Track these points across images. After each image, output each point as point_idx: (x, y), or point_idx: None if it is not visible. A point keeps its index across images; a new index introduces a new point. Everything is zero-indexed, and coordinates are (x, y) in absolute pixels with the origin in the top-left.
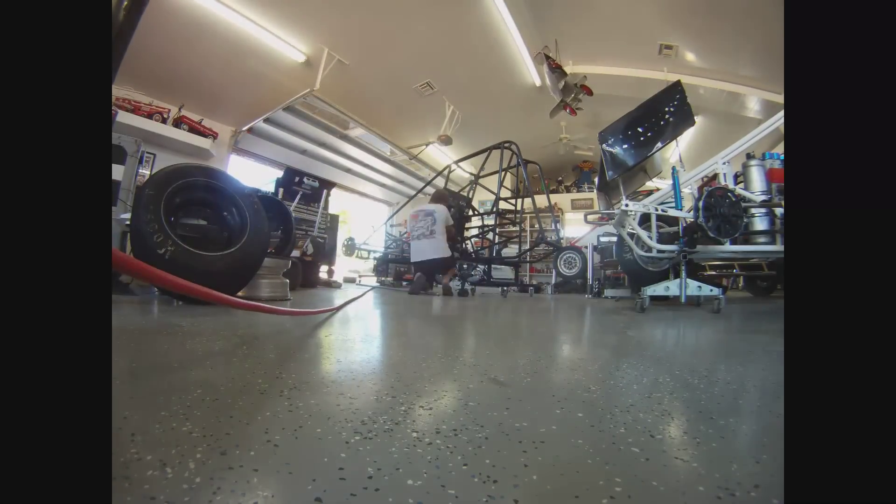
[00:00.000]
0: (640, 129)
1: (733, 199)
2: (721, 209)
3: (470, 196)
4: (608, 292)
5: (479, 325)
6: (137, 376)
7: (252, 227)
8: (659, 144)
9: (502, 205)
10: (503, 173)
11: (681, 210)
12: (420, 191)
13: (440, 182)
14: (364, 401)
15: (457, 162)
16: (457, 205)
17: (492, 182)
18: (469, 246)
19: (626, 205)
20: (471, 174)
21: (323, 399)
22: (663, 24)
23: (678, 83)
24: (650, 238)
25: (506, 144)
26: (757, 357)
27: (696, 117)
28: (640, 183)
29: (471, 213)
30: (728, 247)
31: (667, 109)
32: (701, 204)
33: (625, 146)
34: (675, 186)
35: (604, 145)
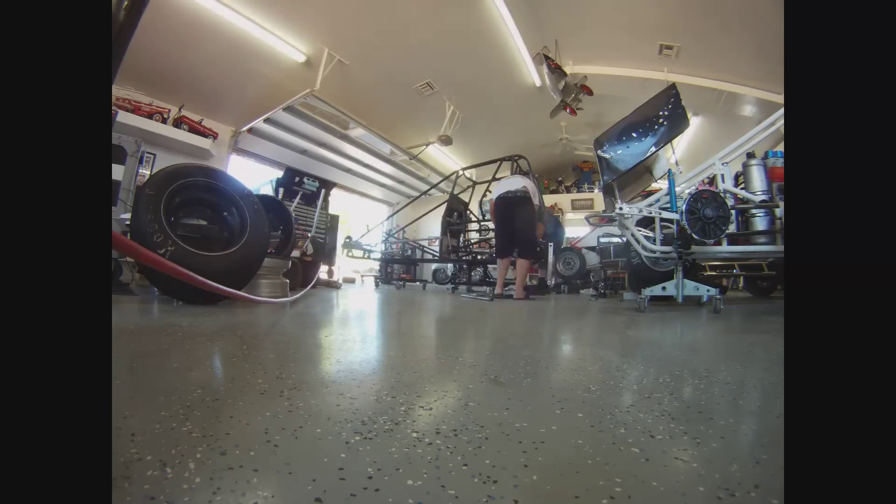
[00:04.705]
0: (634, 135)
1: (720, 201)
2: (705, 211)
3: (469, 200)
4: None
5: (481, 325)
6: (137, 376)
7: (252, 227)
8: (653, 149)
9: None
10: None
11: (675, 212)
12: (425, 192)
13: (445, 186)
14: (364, 401)
15: (465, 169)
16: (459, 209)
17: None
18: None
19: (621, 208)
20: (469, 178)
21: (323, 399)
22: (663, 24)
23: (673, 86)
24: (649, 239)
25: (517, 157)
26: (756, 357)
27: (695, 117)
28: (646, 184)
29: (471, 216)
30: (727, 247)
31: (661, 113)
32: (684, 207)
33: (619, 151)
34: (671, 188)
35: (599, 151)
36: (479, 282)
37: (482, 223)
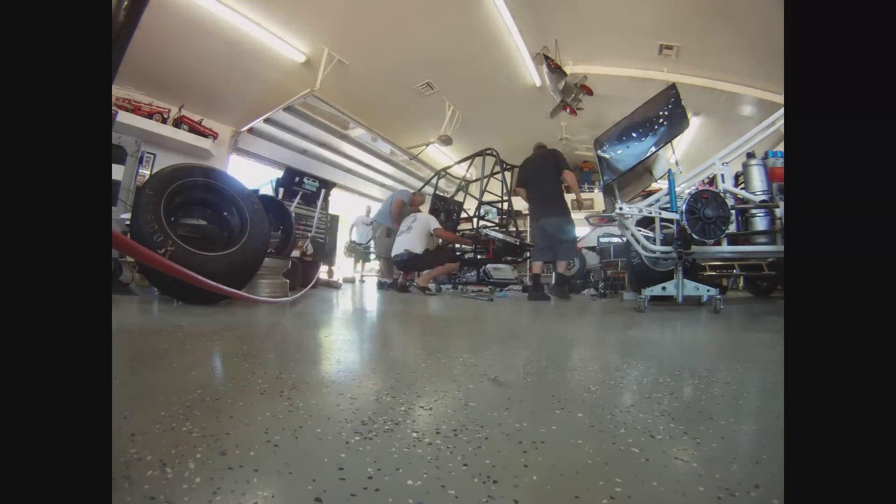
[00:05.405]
0: (634, 135)
1: (720, 201)
2: (705, 211)
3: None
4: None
5: (479, 324)
6: (137, 376)
7: (252, 227)
8: (653, 149)
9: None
10: (486, 179)
11: (675, 212)
12: (417, 191)
13: (430, 189)
14: (364, 401)
15: (445, 170)
16: (447, 209)
17: (496, 186)
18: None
19: (621, 208)
20: (461, 179)
21: (323, 399)
22: (663, 24)
23: (673, 86)
24: (649, 239)
25: (487, 151)
26: (756, 357)
27: (696, 117)
28: (646, 184)
29: (463, 215)
30: (727, 247)
31: (661, 113)
32: (684, 207)
33: (619, 151)
34: (671, 188)
35: (599, 151)
36: (474, 282)
37: (475, 221)
